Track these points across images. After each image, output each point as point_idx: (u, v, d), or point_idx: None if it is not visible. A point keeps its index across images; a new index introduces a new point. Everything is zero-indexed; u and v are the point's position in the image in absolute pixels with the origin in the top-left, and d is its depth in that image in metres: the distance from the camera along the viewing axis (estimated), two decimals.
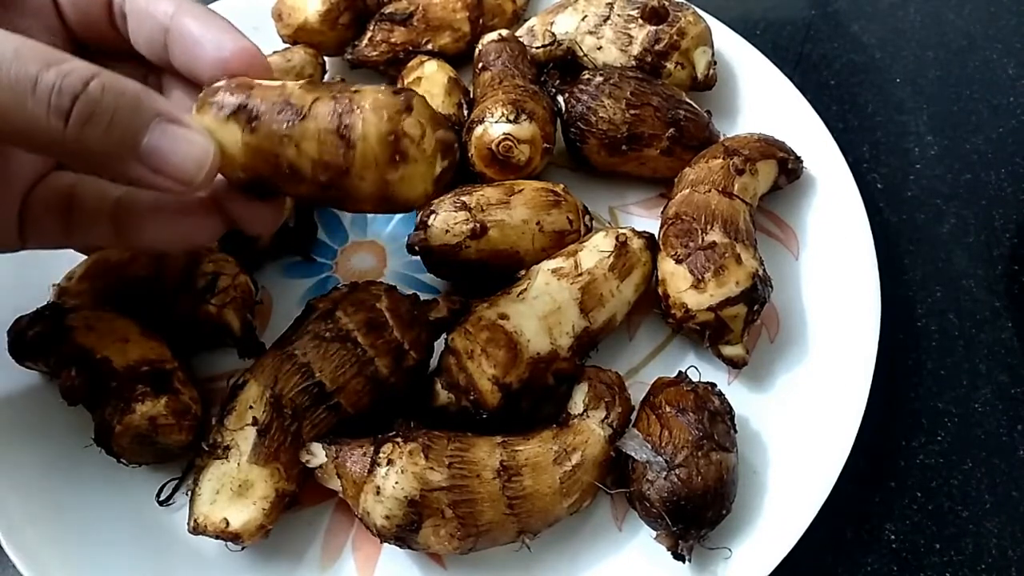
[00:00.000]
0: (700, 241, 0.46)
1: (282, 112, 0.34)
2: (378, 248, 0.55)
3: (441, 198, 0.50)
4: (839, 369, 0.47)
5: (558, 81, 0.57)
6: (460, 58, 0.61)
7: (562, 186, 0.51)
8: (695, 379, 0.44)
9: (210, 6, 0.65)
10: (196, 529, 0.40)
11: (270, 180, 0.36)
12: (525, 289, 0.46)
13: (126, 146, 0.33)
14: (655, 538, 0.41)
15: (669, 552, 0.40)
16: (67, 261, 0.48)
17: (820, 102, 0.61)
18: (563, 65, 0.60)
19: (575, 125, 0.54)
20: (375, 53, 0.61)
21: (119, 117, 0.32)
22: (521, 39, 0.59)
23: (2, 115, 0.30)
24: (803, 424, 0.46)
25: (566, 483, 0.41)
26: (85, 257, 0.48)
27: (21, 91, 0.30)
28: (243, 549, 0.42)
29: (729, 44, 0.61)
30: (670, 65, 0.57)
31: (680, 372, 0.45)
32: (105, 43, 0.40)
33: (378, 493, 0.39)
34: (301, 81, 0.36)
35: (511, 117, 0.50)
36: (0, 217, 0.39)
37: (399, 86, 0.35)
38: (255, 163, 0.35)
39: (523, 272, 0.48)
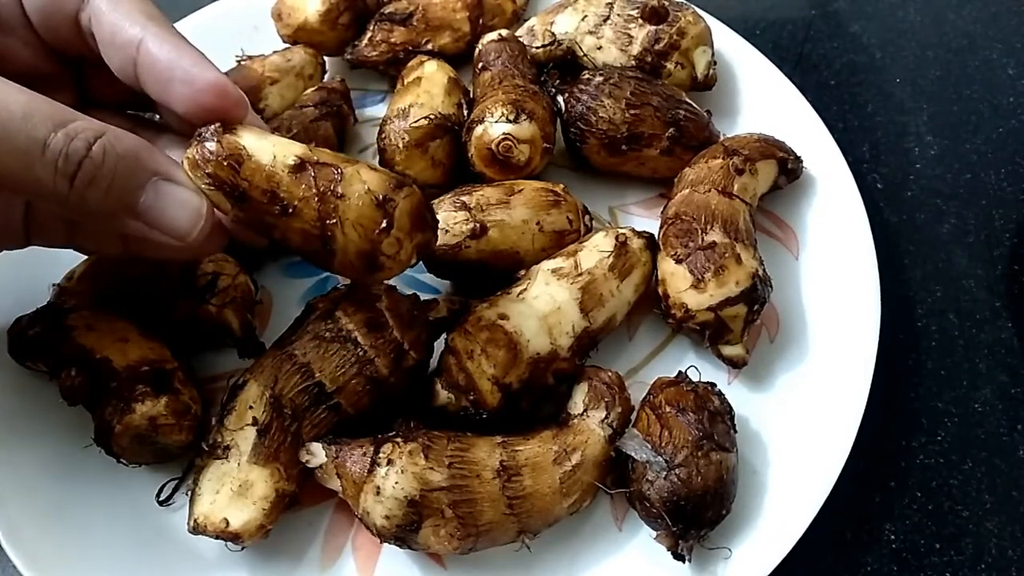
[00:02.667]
0: (700, 241, 0.46)
1: (269, 203, 0.36)
2: None
3: (441, 198, 0.50)
4: (839, 369, 0.47)
5: (558, 81, 0.57)
6: (460, 58, 0.61)
7: (562, 186, 0.51)
8: (695, 379, 0.44)
9: (210, 7, 0.65)
10: (196, 529, 0.40)
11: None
12: (525, 289, 0.46)
13: (124, 205, 0.34)
14: (655, 538, 0.41)
15: (669, 552, 0.40)
16: (67, 261, 0.48)
17: (820, 102, 0.61)
18: (563, 65, 0.60)
19: (575, 125, 0.54)
20: (375, 53, 0.61)
21: (119, 179, 0.33)
22: (521, 39, 0.59)
23: (11, 176, 0.32)
24: (803, 424, 0.46)
25: (566, 483, 0.41)
26: (85, 257, 0.48)
27: (31, 156, 0.31)
28: (243, 549, 0.42)
29: (729, 44, 0.61)
30: (670, 65, 0.57)
31: (680, 372, 0.45)
32: (83, 56, 0.40)
33: (378, 493, 0.39)
34: (291, 156, 0.36)
35: (511, 117, 0.50)
36: (6, 216, 0.40)
37: (392, 178, 0.37)
38: (244, 224, 0.37)
39: (523, 272, 0.48)
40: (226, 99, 0.37)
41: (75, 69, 0.42)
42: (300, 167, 0.36)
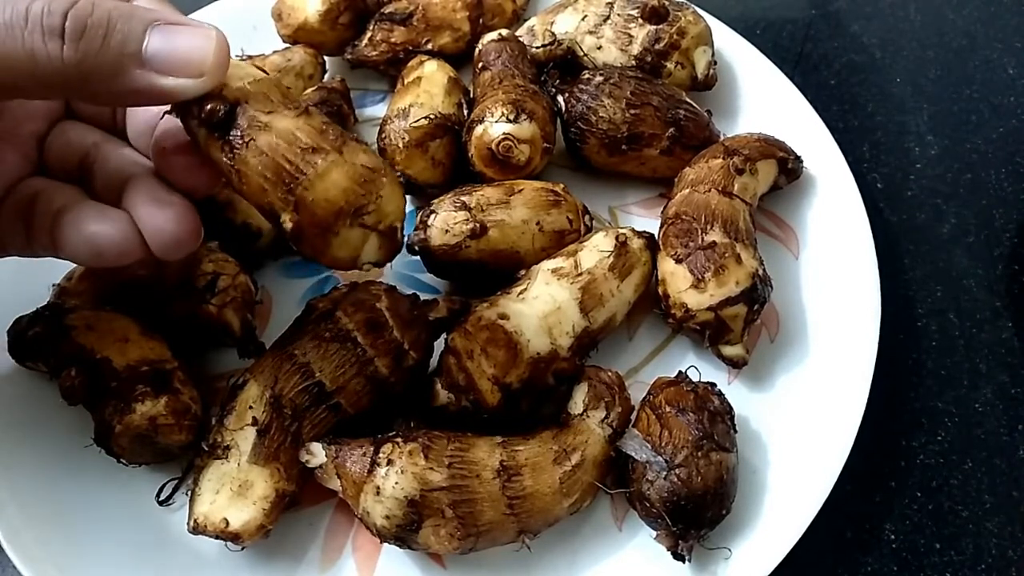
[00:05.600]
0: (700, 241, 0.46)
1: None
2: None
3: (441, 198, 0.50)
4: (839, 369, 0.47)
5: (558, 81, 0.57)
6: (460, 58, 0.61)
7: (562, 186, 0.51)
8: (695, 379, 0.44)
9: (210, 7, 0.65)
10: (196, 529, 0.40)
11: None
12: (525, 289, 0.46)
13: (127, 54, 0.32)
14: (655, 538, 0.41)
15: (669, 552, 0.40)
16: (67, 261, 0.48)
17: (820, 102, 0.61)
18: (563, 65, 0.60)
19: (575, 125, 0.54)
20: (375, 53, 0.61)
21: (114, 27, 0.32)
22: (521, 39, 0.59)
23: (5, 57, 0.31)
24: (803, 424, 0.46)
25: (566, 483, 0.41)
26: None
27: (16, 27, 0.30)
28: (243, 549, 0.42)
29: (729, 44, 0.61)
30: (670, 65, 0.57)
31: (680, 372, 0.45)
32: None
33: (378, 493, 0.39)
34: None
35: (511, 117, 0.50)
36: None
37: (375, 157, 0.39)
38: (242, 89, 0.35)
39: (523, 272, 0.48)
40: None
41: None
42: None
